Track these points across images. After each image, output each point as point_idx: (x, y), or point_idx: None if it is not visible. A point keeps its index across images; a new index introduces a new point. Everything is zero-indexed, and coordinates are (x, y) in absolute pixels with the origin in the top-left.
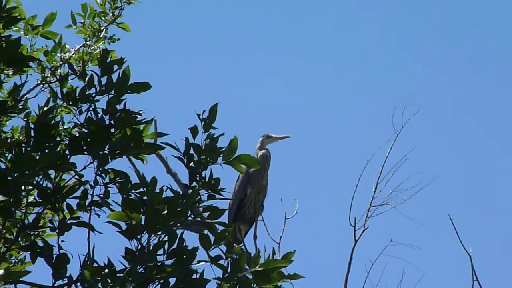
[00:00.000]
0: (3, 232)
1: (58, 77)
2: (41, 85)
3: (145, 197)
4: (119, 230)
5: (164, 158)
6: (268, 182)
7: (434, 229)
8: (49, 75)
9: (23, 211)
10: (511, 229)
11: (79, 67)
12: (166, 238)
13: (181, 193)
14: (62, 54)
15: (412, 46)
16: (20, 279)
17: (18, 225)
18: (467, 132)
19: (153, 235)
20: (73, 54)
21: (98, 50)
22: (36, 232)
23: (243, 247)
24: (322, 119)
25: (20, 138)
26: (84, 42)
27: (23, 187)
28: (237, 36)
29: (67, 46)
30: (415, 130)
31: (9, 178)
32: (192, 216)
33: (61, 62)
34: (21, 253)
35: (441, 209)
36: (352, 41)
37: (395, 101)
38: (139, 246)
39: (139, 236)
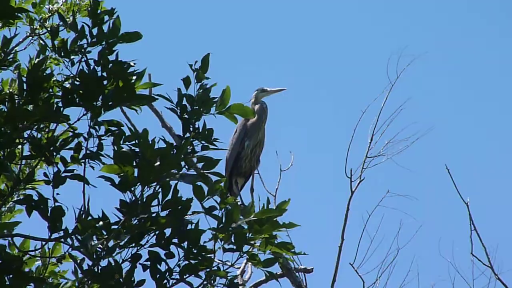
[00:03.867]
0: None
1: (47, 29)
2: (30, 38)
3: (137, 149)
4: (112, 183)
5: (159, 112)
6: (265, 135)
7: (431, 179)
8: (38, 27)
9: (18, 165)
10: (508, 177)
11: (68, 18)
12: (160, 190)
13: (174, 144)
14: (50, 5)
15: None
16: (16, 232)
17: (13, 179)
18: (461, 81)
19: (147, 187)
20: (61, 5)
21: (86, 1)
22: (31, 186)
23: (239, 200)
24: (316, 70)
25: (11, 91)
26: None
27: (16, 141)
28: None
29: None
30: (410, 80)
31: (2, 131)
32: (186, 167)
33: (50, 14)
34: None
35: (438, 159)
36: None
37: (390, 52)
38: (133, 198)
39: (132, 189)
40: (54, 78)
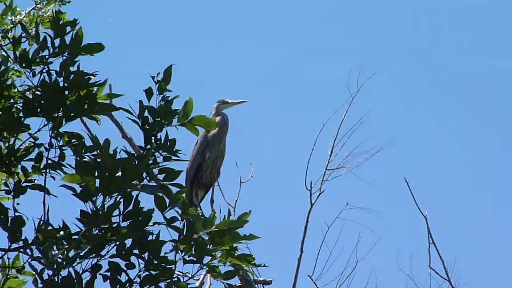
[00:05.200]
0: None
1: (10, 40)
2: None
3: (99, 160)
4: (74, 193)
5: (119, 122)
6: (226, 147)
7: (390, 192)
8: (0, 38)
9: None
10: (466, 190)
11: (31, 30)
12: (121, 200)
13: (135, 155)
14: (13, 17)
15: (369, 12)
16: None
17: None
18: (422, 95)
19: (108, 197)
20: (23, 17)
21: (49, 12)
22: None
23: (199, 211)
24: (277, 82)
25: None
26: (35, 5)
27: None
28: None
29: (17, 9)
30: (371, 93)
31: None
32: (148, 178)
33: (12, 25)
34: None
35: (397, 172)
36: (311, 3)
37: (351, 65)
38: (94, 208)
39: (94, 199)
40: (15, 90)
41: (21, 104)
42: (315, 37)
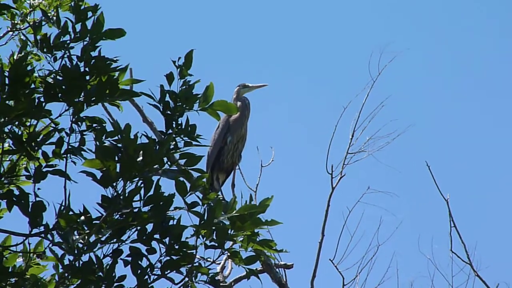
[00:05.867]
0: None
1: (29, 24)
2: (11, 33)
3: (120, 144)
4: (93, 179)
5: (140, 107)
6: (247, 130)
7: (411, 176)
8: (19, 22)
9: None
10: (488, 174)
11: (50, 13)
12: (142, 185)
13: (156, 140)
14: (31, 0)
15: None
16: None
17: None
18: (442, 78)
19: (129, 182)
20: (42, 0)
21: None
22: (12, 180)
23: (220, 196)
24: (297, 66)
25: None
26: None
27: None
28: None
29: None
30: (391, 77)
31: None
32: (168, 163)
33: (31, 9)
34: None
35: (418, 156)
36: None
37: (372, 48)
38: (115, 193)
39: (114, 184)
40: (35, 74)
41: (41, 89)
42: (336, 18)
